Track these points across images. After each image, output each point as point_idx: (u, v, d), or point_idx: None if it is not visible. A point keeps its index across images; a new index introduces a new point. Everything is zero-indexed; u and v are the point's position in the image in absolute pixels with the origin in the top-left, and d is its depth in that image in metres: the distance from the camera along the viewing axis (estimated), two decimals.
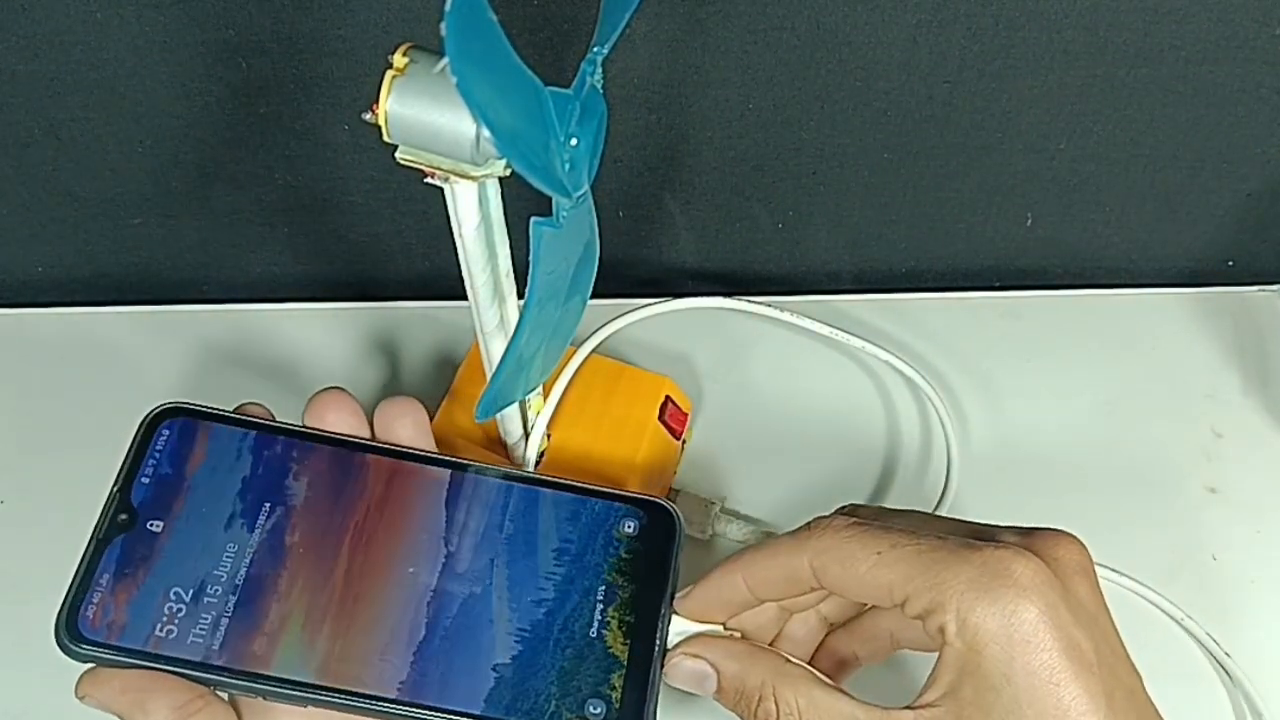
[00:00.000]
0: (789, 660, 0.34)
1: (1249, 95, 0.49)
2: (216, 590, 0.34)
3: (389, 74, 0.27)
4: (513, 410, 0.42)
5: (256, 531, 0.35)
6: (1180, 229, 0.57)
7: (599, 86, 0.30)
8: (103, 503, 0.35)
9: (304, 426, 0.37)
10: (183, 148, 0.49)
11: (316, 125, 0.48)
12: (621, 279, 0.55)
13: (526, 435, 0.44)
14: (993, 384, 0.53)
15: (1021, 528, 0.33)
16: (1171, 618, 0.46)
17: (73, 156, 0.49)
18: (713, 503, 0.47)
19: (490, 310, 0.35)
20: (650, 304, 0.49)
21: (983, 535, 0.33)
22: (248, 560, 0.34)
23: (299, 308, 0.55)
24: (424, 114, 0.27)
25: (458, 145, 0.27)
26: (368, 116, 0.27)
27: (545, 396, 0.44)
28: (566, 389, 0.45)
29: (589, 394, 0.47)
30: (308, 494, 0.36)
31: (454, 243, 0.32)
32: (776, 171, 0.52)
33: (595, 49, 0.30)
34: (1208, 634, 0.46)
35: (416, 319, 0.54)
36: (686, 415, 0.49)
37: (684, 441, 0.49)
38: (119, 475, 0.35)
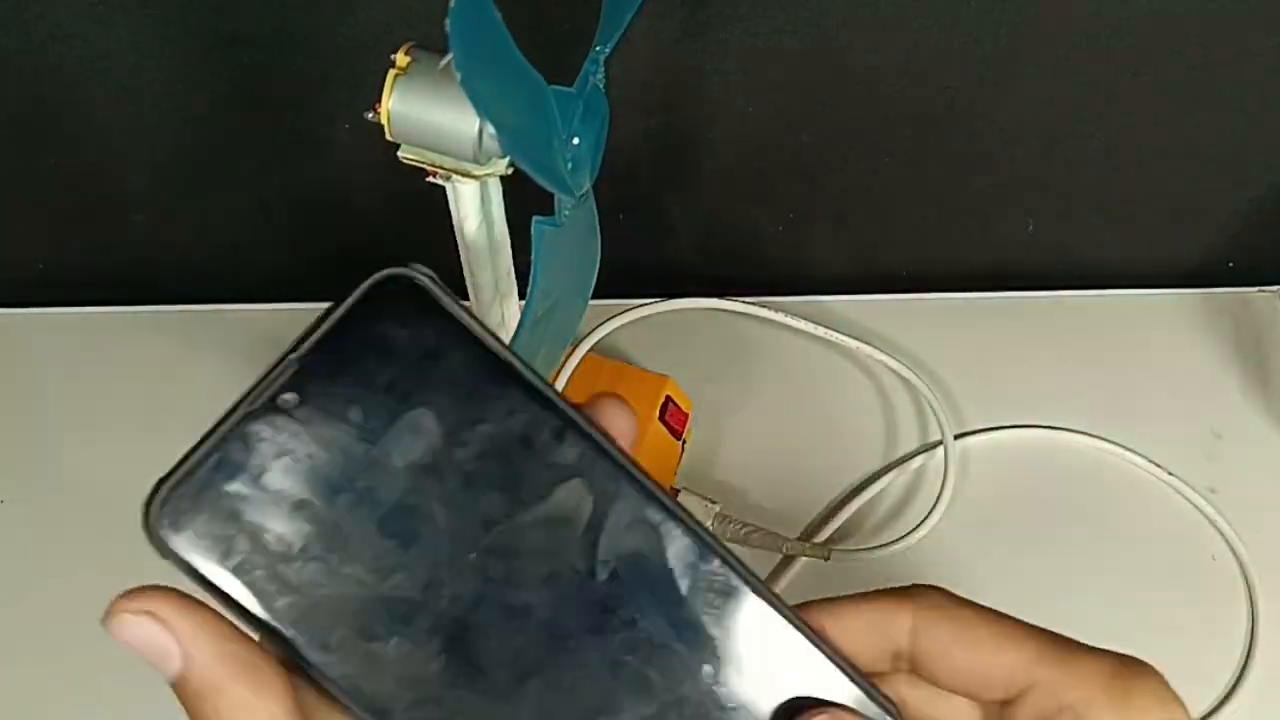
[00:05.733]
0: None
1: (1249, 100, 0.49)
2: (352, 538, 0.22)
3: (391, 73, 0.27)
4: None
5: (431, 481, 0.23)
6: (1181, 231, 0.57)
7: (601, 85, 0.30)
8: (268, 366, 0.22)
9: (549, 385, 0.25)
10: (183, 147, 0.49)
11: (316, 125, 0.48)
12: (622, 279, 0.55)
13: None
14: (992, 385, 0.53)
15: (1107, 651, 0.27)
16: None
17: (73, 156, 0.49)
18: (713, 502, 0.47)
19: (491, 309, 0.35)
20: (650, 304, 0.49)
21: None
22: (404, 517, 0.22)
23: (299, 307, 0.55)
24: (426, 112, 0.27)
25: (459, 143, 0.27)
26: (370, 115, 0.27)
27: None
28: (566, 389, 0.45)
29: (590, 394, 0.47)
30: (510, 463, 0.24)
31: (455, 242, 0.32)
32: (777, 174, 0.52)
33: (598, 48, 0.30)
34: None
35: None
36: (687, 415, 0.49)
37: (684, 441, 0.49)
38: (303, 343, 0.22)
